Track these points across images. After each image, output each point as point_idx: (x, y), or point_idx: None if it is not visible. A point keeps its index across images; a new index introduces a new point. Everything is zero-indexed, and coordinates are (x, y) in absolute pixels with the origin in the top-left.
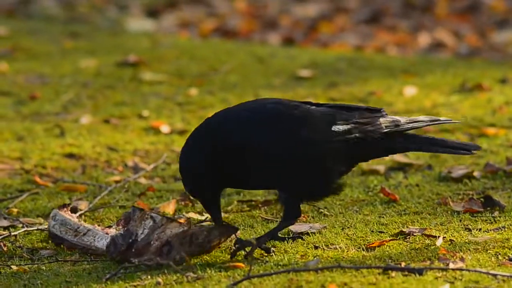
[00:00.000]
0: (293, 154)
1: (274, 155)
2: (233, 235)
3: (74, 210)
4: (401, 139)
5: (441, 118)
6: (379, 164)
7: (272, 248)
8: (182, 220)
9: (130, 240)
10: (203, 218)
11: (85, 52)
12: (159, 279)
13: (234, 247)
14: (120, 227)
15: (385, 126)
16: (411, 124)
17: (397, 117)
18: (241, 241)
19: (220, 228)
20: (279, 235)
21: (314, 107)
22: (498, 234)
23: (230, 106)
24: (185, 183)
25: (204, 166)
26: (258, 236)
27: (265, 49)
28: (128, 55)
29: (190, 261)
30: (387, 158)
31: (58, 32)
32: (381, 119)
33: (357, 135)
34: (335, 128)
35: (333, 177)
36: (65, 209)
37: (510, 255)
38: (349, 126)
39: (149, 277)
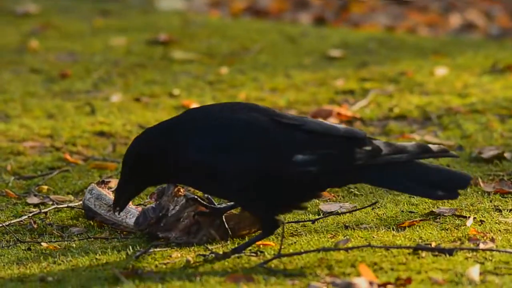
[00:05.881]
0: (254, 183)
1: (231, 179)
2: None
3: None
4: (375, 172)
5: (433, 148)
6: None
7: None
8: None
9: (161, 214)
10: None
11: (115, 30)
12: (189, 258)
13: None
14: (153, 200)
15: (359, 158)
16: (392, 155)
17: (380, 143)
18: (217, 254)
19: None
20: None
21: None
22: None
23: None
24: (125, 158)
25: (150, 159)
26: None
27: (296, 28)
28: (159, 33)
29: (219, 241)
30: (417, 137)
31: (89, 10)
32: (357, 150)
33: (320, 168)
34: (297, 158)
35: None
36: (103, 185)
37: None
38: (312, 157)
39: (179, 255)
